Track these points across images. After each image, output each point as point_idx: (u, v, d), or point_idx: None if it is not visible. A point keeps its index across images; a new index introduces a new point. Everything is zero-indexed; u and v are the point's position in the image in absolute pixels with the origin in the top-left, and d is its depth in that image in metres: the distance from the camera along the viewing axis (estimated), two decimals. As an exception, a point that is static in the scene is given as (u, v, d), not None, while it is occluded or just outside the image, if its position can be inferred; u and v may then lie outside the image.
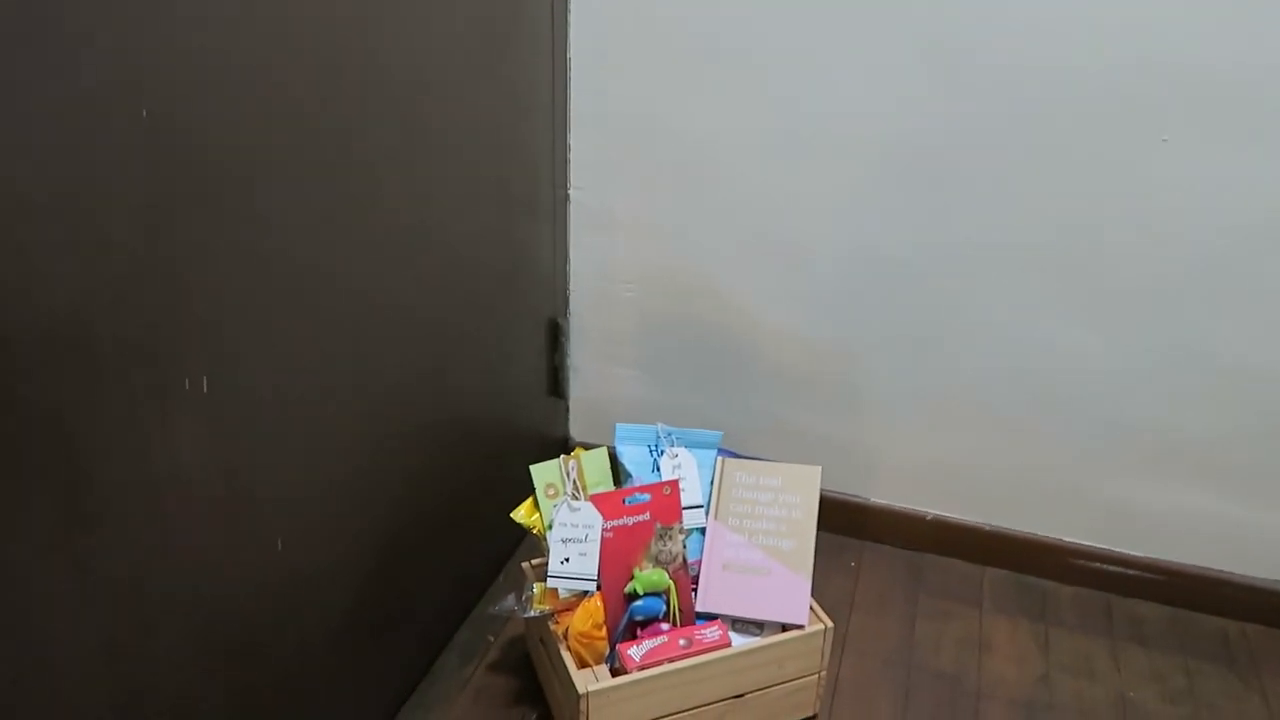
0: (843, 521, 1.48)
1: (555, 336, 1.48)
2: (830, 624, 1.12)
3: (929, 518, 1.46)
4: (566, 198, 1.42)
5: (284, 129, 0.81)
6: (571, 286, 1.48)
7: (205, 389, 0.77)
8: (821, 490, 1.18)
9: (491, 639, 1.27)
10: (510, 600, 1.12)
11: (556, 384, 1.52)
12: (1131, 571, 1.39)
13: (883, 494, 1.47)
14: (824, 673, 1.15)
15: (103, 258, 0.66)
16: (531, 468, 1.12)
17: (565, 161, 1.40)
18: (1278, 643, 1.32)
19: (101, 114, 0.64)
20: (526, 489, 1.13)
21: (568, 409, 1.57)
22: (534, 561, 1.18)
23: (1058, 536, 1.41)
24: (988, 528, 1.44)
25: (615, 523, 1.10)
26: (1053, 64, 1.16)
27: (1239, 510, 1.31)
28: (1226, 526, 1.33)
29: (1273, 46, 1.09)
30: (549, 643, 1.11)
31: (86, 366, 0.66)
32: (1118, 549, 1.39)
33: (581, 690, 1.01)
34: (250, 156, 0.78)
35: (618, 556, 1.10)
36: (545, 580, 1.09)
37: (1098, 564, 1.40)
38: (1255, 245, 1.18)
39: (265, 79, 0.78)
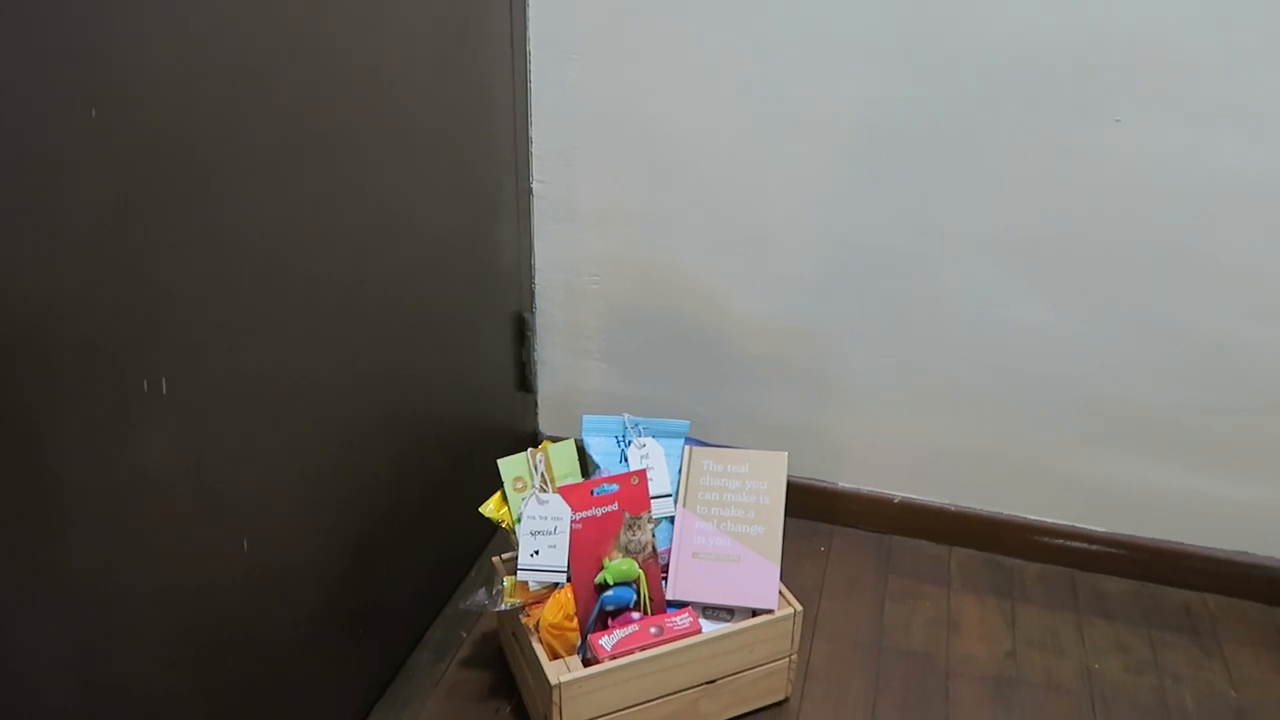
0: (813, 507, 1.49)
1: (522, 331, 1.48)
2: (800, 608, 1.13)
3: (897, 500, 1.47)
4: (530, 191, 1.42)
5: (244, 126, 0.81)
6: (537, 280, 1.48)
7: (164, 390, 0.76)
8: (791, 476, 1.20)
9: (464, 634, 1.28)
10: (481, 595, 1.12)
11: (524, 378, 1.52)
12: (1095, 547, 1.41)
13: (851, 478, 1.49)
14: (795, 656, 1.16)
15: (60, 257, 0.65)
16: (499, 461, 1.13)
17: (528, 155, 1.40)
18: (1238, 613, 1.35)
19: (56, 110, 0.63)
20: (496, 484, 1.13)
21: (537, 403, 1.57)
22: (504, 555, 1.18)
23: (1023, 515, 1.43)
24: (954, 509, 1.45)
25: (584, 514, 1.10)
26: (1012, 49, 1.17)
27: (1198, 482, 1.34)
28: (1186, 499, 1.35)
29: (1219, 29, 1.10)
30: (520, 635, 1.11)
31: (45, 367, 0.66)
32: (1081, 525, 1.41)
33: (554, 681, 1.02)
34: (209, 154, 0.77)
35: (587, 547, 1.10)
36: (515, 573, 1.09)
37: (1062, 540, 1.42)
38: (1212, 221, 1.20)
39: (224, 77, 0.77)
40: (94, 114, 0.66)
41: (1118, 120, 1.18)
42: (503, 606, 1.10)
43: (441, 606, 1.31)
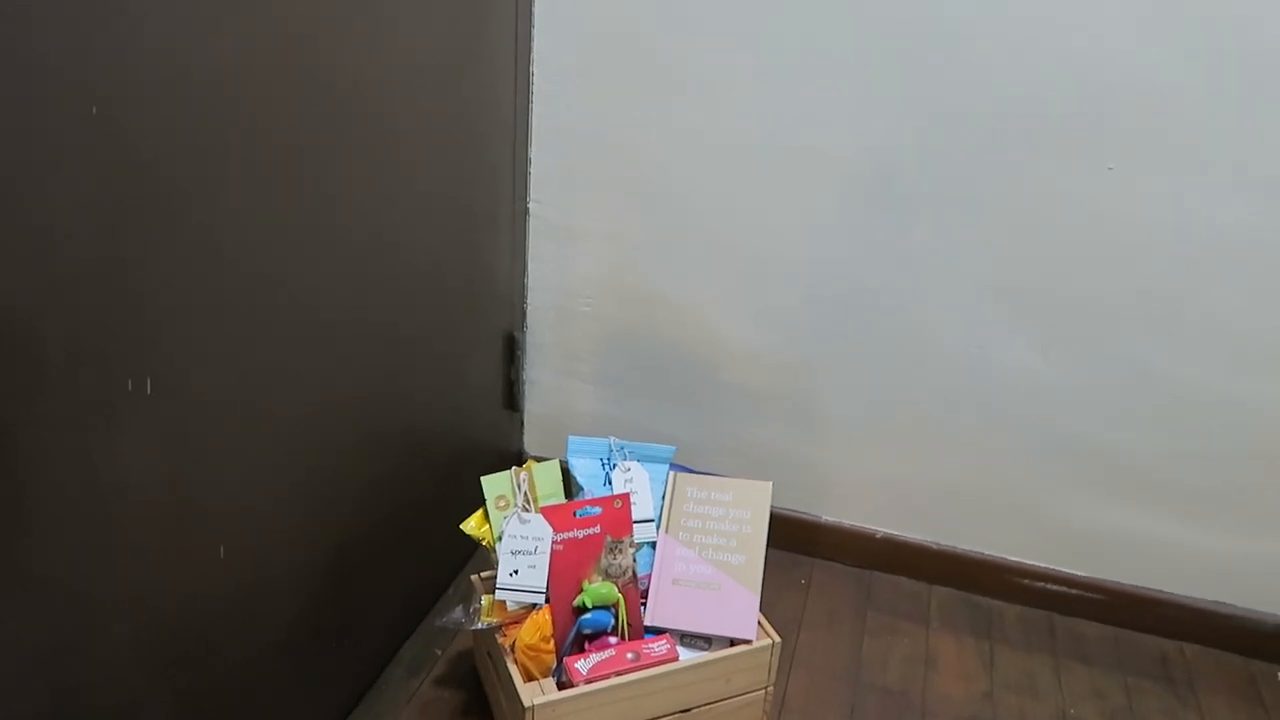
0: (794, 539, 1.49)
1: (512, 350, 1.48)
2: (778, 639, 1.12)
3: (879, 536, 1.47)
4: (526, 211, 1.43)
5: (240, 135, 0.81)
6: (529, 300, 1.49)
7: (149, 391, 0.76)
8: (774, 508, 1.19)
9: (439, 652, 1.26)
10: (458, 612, 1.11)
11: (512, 398, 1.52)
12: (1074, 591, 1.41)
13: (834, 512, 1.49)
14: (771, 688, 1.15)
15: (46, 257, 0.65)
16: (483, 479, 1.12)
17: (525, 175, 1.40)
18: (1215, 662, 1.35)
19: (48, 110, 0.63)
20: (479, 502, 1.13)
21: (523, 423, 1.57)
22: (483, 574, 1.17)
23: (1004, 556, 1.43)
24: (936, 547, 1.45)
25: (565, 535, 1.10)
26: (1007, 95, 1.19)
27: (1178, 531, 1.35)
28: (1166, 547, 1.36)
29: (1213, 80, 1.12)
30: (496, 655, 1.10)
31: (27, 366, 0.65)
32: (1061, 569, 1.41)
33: (527, 703, 1.01)
34: (204, 161, 0.77)
35: (567, 569, 1.10)
36: (494, 592, 1.09)
37: (1042, 583, 1.42)
38: (1200, 271, 1.21)
39: (223, 85, 0.78)
40: (94, 111, 0.67)
41: (1110, 168, 1.19)
42: (479, 625, 1.09)
43: (418, 623, 1.30)
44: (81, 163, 0.66)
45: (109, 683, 0.78)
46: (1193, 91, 1.13)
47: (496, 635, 1.09)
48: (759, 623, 1.13)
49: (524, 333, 1.50)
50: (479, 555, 1.42)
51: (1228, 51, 1.11)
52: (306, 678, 1.06)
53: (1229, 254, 1.19)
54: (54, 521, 0.69)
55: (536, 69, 1.35)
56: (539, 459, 1.21)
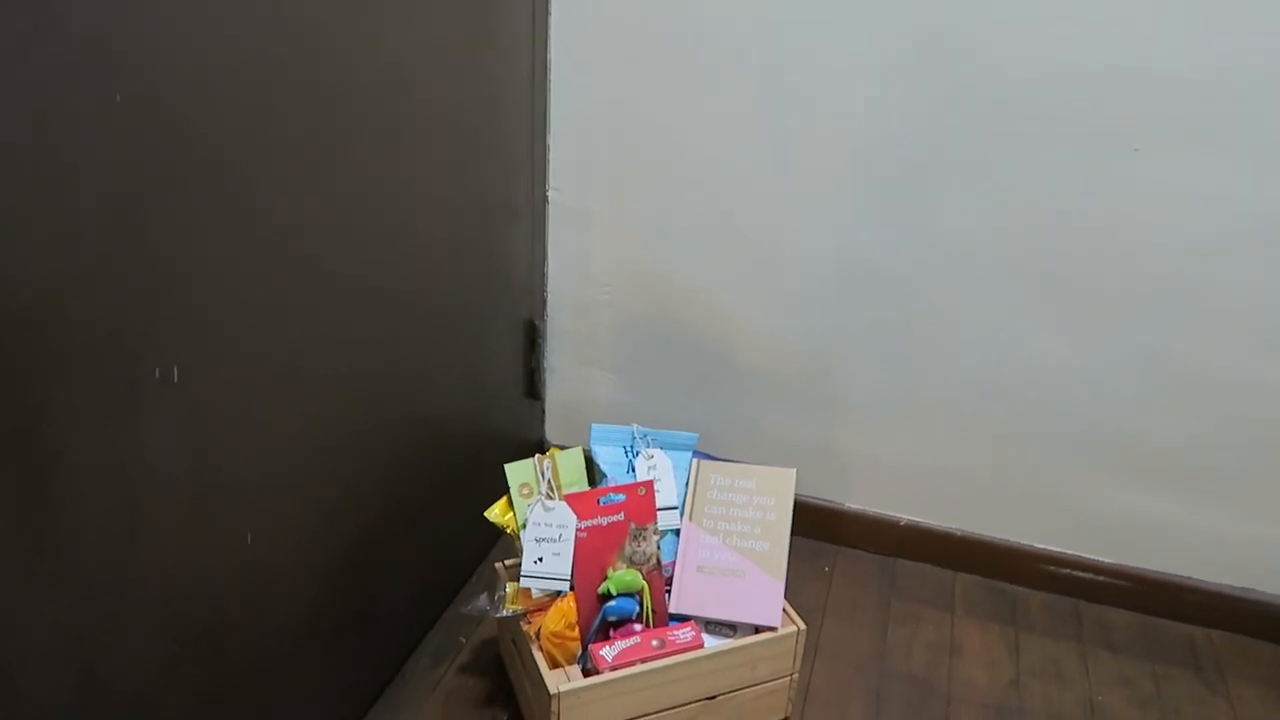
0: (817, 526, 1.48)
1: (532, 338, 1.47)
2: (803, 626, 1.12)
3: (902, 523, 1.46)
4: (545, 199, 1.42)
5: (263, 120, 0.81)
6: (549, 288, 1.48)
7: (176, 379, 0.76)
8: (796, 495, 1.19)
9: (463, 640, 1.27)
10: (483, 600, 1.11)
11: (533, 386, 1.51)
12: (1100, 578, 1.40)
13: (857, 499, 1.48)
14: (796, 675, 1.15)
15: (72, 242, 0.65)
16: (506, 466, 1.12)
17: (544, 162, 1.40)
18: (1244, 650, 1.34)
19: (74, 95, 0.63)
20: (500, 490, 1.12)
21: (543, 411, 1.57)
22: (507, 562, 1.17)
23: (1029, 543, 1.42)
24: (959, 533, 1.44)
25: (589, 523, 1.10)
26: (1030, 73, 1.17)
27: (1205, 517, 1.33)
28: (1193, 533, 1.34)
29: (1242, 60, 1.11)
30: (521, 643, 1.10)
31: (54, 352, 0.65)
32: (1087, 555, 1.40)
33: (553, 690, 1.01)
34: (228, 146, 0.77)
35: (592, 557, 1.10)
36: (518, 580, 1.08)
37: (1067, 570, 1.41)
38: (1224, 253, 1.20)
39: (247, 71, 0.77)
40: (118, 99, 0.66)
41: (1136, 149, 1.18)
42: (504, 613, 1.09)
43: (441, 611, 1.30)
44: (108, 148, 0.66)
45: (133, 667, 0.78)
46: (1222, 72, 1.12)
47: (521, 622, 1.09)
48: (784, 610, 1.13)
49: (544, 321, 1.49)
50: (501, 543, 1.42)
51: (1259, 32, 1.09)
52: (330, 665, 1.06)
53: (1258, 237, 1.17)
54: (81, 506, 0.70)
55: (554, 55, 1.34)
56: (558, 447, 1.20)
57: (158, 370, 0.74)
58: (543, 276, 1.47)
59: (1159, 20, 1.11)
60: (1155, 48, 1.12)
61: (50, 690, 0.70)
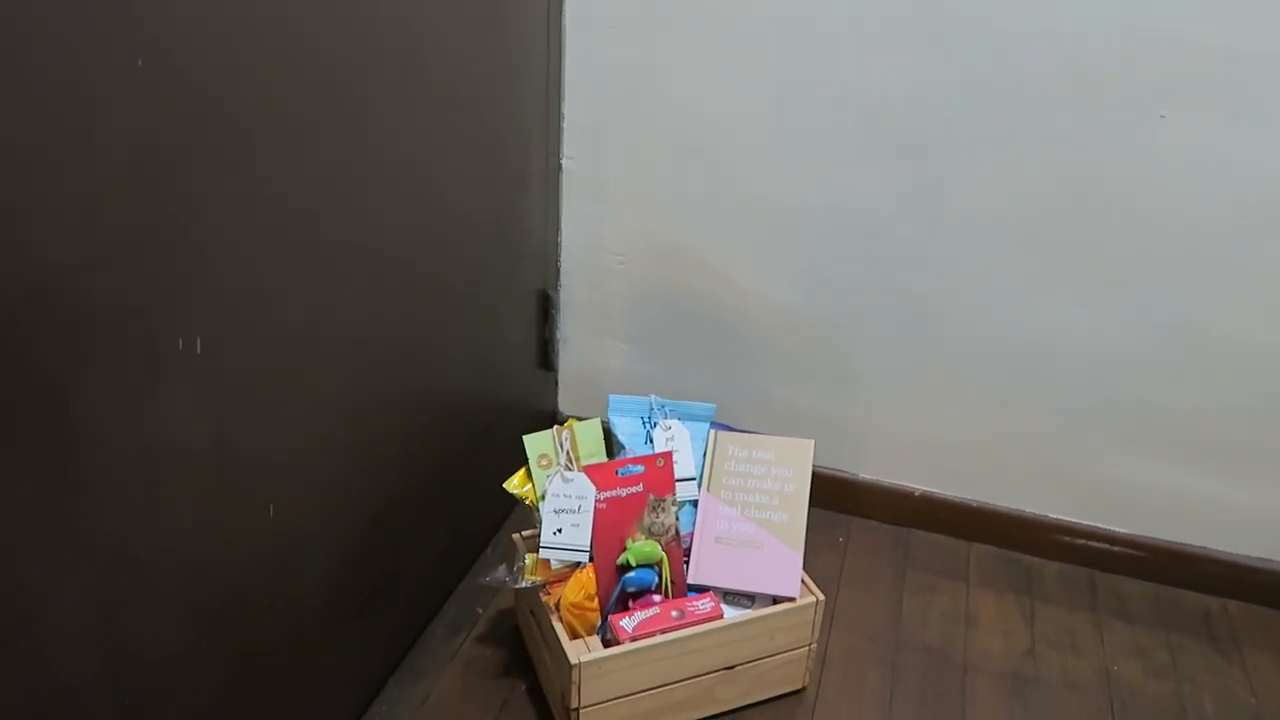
0: (831, 497, 1.48)
1: (546, 308, 1.46)
2: (822, 597, 1.12)
3: (917, 494, 1.46)
4: (559, 167, 1.41)
5: (280, 88, 0.79)
6: (563, 258, 1.47)
7: (199, 350, 0.75)
8: (812, 465, 1.18)
9: (480, 611, 1.27)
10: (501, 571, 1.11)
11: (546, 356, 1.51)
12: (1115, 548, 1.40)
13: (871, 470, 1.47)
14: (814, 645, 1.15)
15: (95, 216, 0.64)
16: (525, 438, 1.11)
17: (559, 130, 1.38)
18: (1259, 619, 1.34)
19: (94, 63, 0.62)
20: (515, 461, 1.12)
21: (557, 382, 1.56)
22: (525, 533, 1.17)
23: (1043, 513, 1.42)
24: (974, 504, 1.44)
25: (608, 494, 1.09)
26: (1051, 37, 1.15)
27: (1220, 487, 1.33)
28: (1208, 503, 1.34)
29: (1271, 27, 1.08)
30: (540, 614, 1.10)
31: (77, 325, 0.64)
32: (1102, 525, 1.40)
33: (574, 660, 1.01)
34: (246, 114, 0.76)
35: (610, 528, 1.09)
36: (537, 551, 1.08)
37: (1082, 540, 1.41)
38: (1245, 223, 1.18)
39: (264, 38, 0.76)
40: (140, 63, 0.65)
41: (1162, 116, 1.16)
42: (523, 584, 1.09)
43: (458, 582, 1.31)
44: (130, 120, 0.65)
45: (159, 640, 0.78)
46: (1251, 37, 1.10)
47: (540, 594, 1.09)
48: (802, 580, 1.13)
49: (558, 290, 1.48)
50: (515, 514, 1.42)
51: (1289, -7, 1.07)
52: (349, 635, 1.07)
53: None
54: (104, 480, 0.69)
55: (569, 22, 1.32)
56: (574, 418, 1.20)
57: (180, 341, 0.73)
58: (556, 246, 1.46)
59: (1188, -16, 1.09)
60: (1186, 8, 1.10)
61: (79, 662, 0.70)
